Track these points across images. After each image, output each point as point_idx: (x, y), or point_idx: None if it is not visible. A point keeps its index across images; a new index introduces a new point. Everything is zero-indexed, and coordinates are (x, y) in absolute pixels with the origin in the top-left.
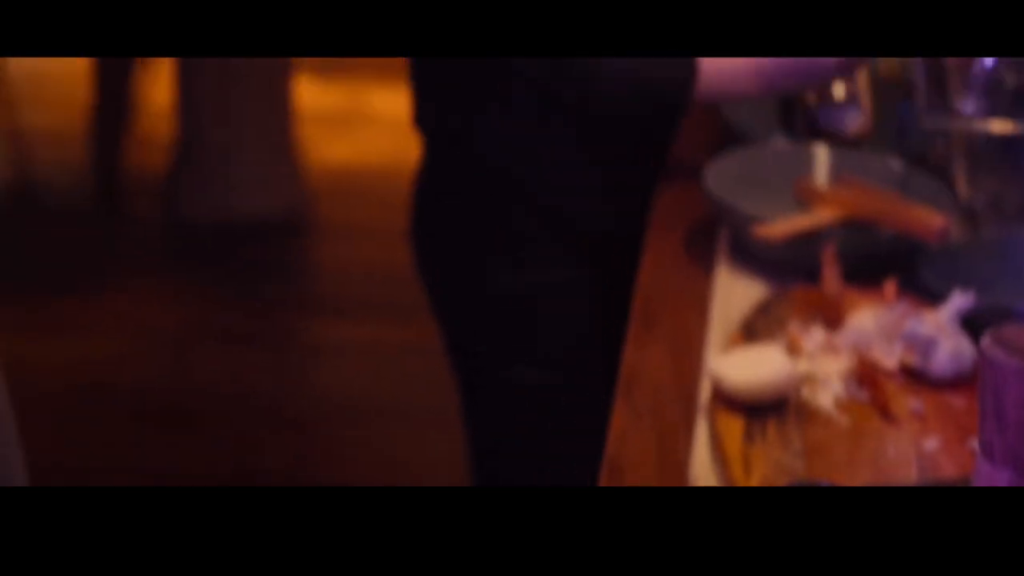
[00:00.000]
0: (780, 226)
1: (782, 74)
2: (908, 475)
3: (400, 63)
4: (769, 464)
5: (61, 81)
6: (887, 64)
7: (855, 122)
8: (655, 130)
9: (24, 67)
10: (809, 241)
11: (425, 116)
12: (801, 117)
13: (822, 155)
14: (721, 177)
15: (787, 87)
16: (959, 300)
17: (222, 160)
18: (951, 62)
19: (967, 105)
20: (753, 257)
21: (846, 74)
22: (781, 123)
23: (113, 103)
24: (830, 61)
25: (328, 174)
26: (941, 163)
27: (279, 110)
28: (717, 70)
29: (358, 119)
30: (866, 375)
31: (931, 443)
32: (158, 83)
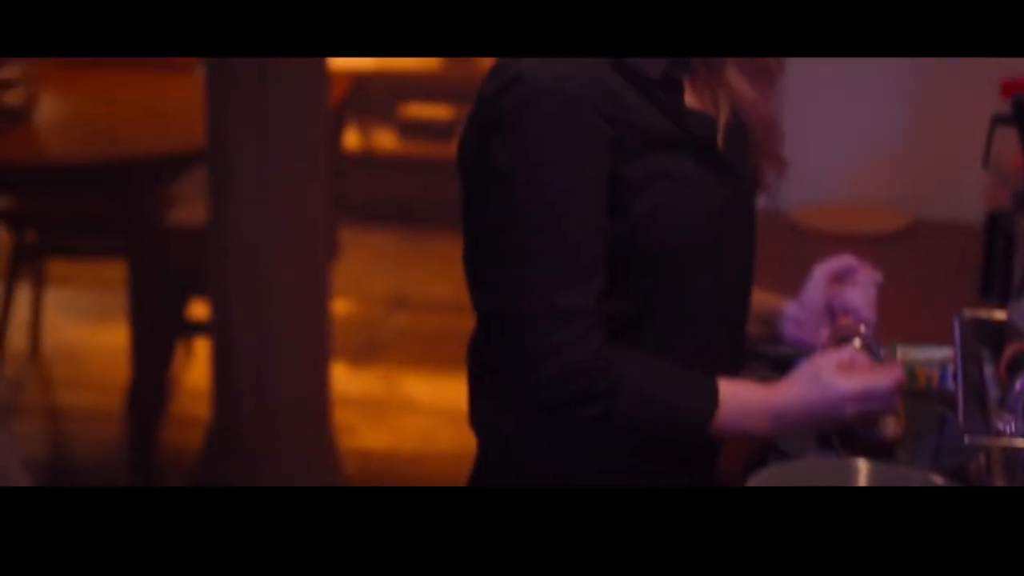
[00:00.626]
0: None
1: (798, 418)
2: None
3: (435, 350)
4: None
5: (98, 361)
6: (923, 376)
7: (888, 426)
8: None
9: (61, 346)
10: None
11: (477, 416)
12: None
13: (862, 470)
14: None
15: (802, 431)
16: None
17: (258, 443)
18: (991, 380)
19: (1008, 424)
20: None
21: (864, 421)
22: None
23: (150, 383)
24: (848, 409)
25: (364, 460)
26: (981, 479)
27: (315, 395)
28: (735, 405)
29: (393, 405)
30: None
31: None
32: (195, 364)
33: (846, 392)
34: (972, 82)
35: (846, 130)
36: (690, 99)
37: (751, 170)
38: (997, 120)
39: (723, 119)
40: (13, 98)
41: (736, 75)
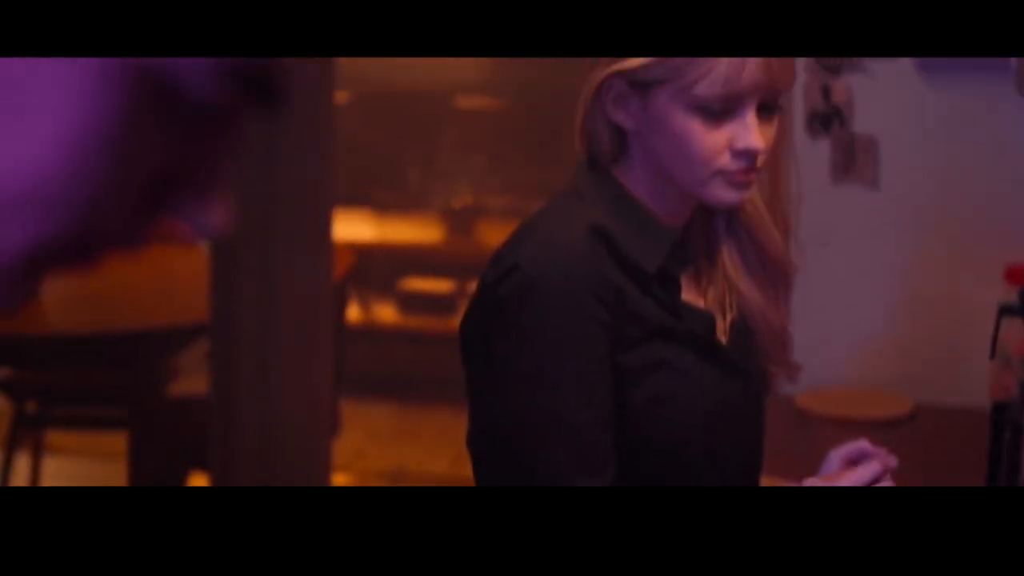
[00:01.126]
0: None
1: None
2: None
3: None
4: None
5: None
6: None
7: None
8: None
9: None
10: None
11: None
12: None
13: None
14: None
15: None
16: None
17: None
18: None
19: None
20: None
21: None
22: None
23: None
24: None
25: None
26: None
27: None
28: None
29: None
30: None
31: None
32: None
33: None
34: (975, 266)
35: (849, 313)
36: (691, 295)
37: (759, 370)
38: (1004, 310)
39: (729, 318)
40: None
41: (745, 280)
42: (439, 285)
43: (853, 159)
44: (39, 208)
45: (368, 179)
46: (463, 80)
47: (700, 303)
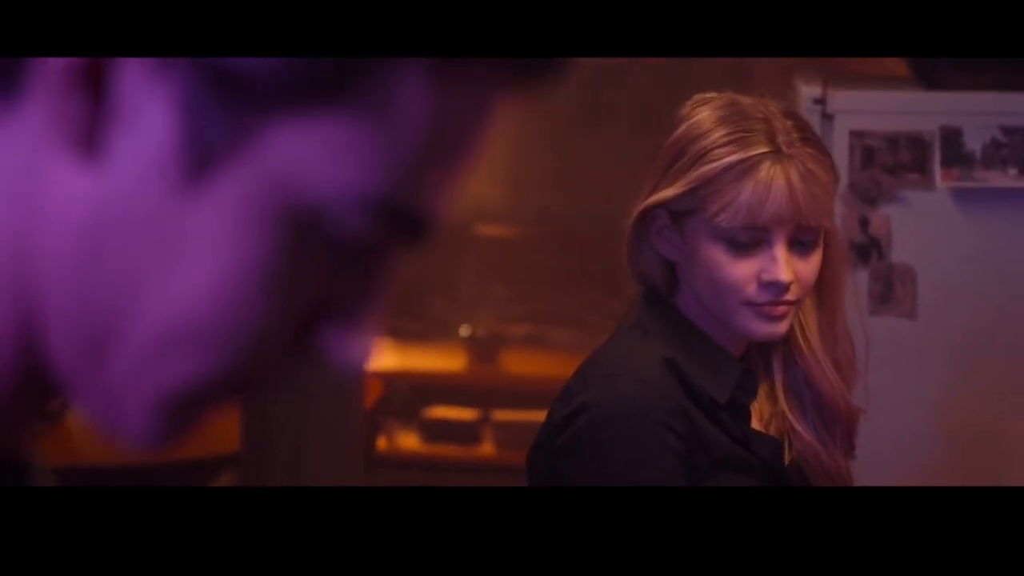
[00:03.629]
0: None
1: None
2: None
3: None
4: None
5: None
6: None
7: None
8: None
9: None
10: None
11: None
12: None
13: None
14: None
15: None
16: None
17: None
18: None
19: None
20: None
21: None
22: None
23: None
24: None
25: None
26: None
27: None
28: None
29: None
30: None
31: None
32: None
33: None
34: (1016, 398)
35: (885, 446)
36: (756, 424)
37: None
38: None
39: (794, 451)
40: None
41: (800, 422)
42: (463, 413)
43: (891, 290)
44: (200, 343)
45: (391, 308)
46: (484, 208)
47: (765, 431)
